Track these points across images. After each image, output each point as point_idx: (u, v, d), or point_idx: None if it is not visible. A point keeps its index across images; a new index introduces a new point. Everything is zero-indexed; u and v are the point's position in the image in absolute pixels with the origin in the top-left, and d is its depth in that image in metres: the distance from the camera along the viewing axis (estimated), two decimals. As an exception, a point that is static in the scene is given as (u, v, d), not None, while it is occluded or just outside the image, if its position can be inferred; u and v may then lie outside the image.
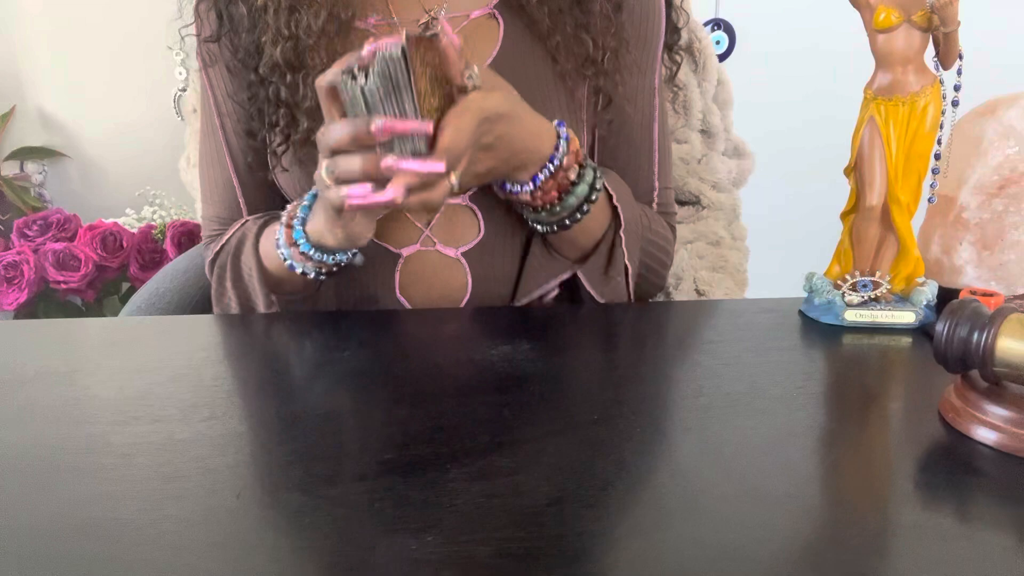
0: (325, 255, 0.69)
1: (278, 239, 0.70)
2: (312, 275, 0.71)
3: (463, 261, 0.75)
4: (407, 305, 0.75)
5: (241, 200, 0.80)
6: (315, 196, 0.69)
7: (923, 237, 0.74)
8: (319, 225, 0.67)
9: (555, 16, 0.73)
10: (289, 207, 0.72)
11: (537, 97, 0.74)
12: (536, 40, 0.75)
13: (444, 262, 0.75)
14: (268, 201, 0.80)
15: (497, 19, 0.75)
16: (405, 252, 0.74)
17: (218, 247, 0.79)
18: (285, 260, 0.70)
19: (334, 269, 0.71)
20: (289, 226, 0.70)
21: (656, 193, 0.82)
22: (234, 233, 0.78)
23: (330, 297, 0.77)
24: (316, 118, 0.68)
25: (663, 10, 0.80)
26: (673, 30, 0.84)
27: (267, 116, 0.74)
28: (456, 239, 0.75)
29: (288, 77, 0.70)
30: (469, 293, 0.75)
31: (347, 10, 0.71)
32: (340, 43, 0.71)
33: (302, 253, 0.69)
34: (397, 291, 0.75)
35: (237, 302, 0.75)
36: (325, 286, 0.76)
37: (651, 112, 0.80)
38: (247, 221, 0.78)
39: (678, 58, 0.87)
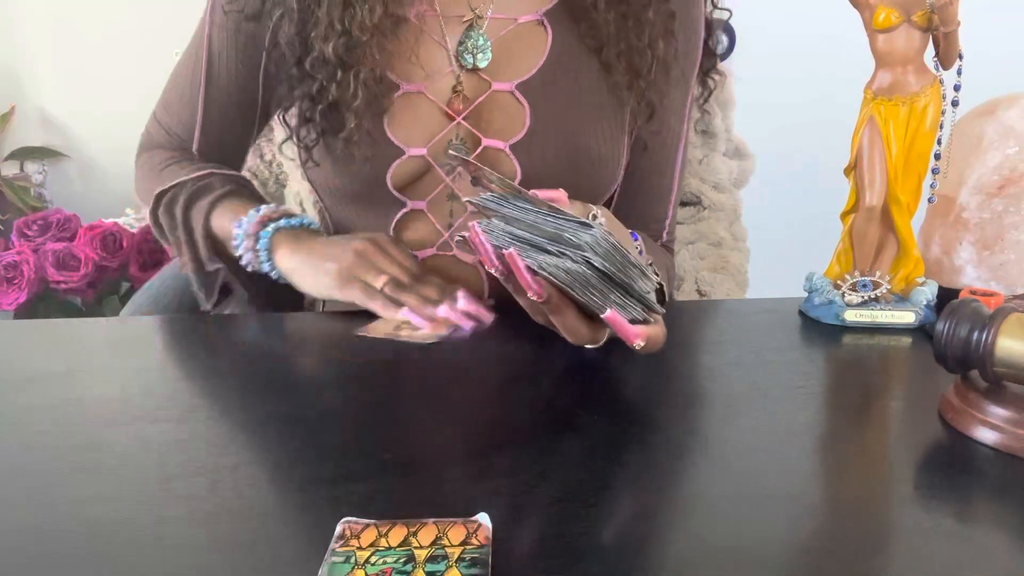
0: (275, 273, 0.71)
1: (241, 220, 0.70)
2: (247, 265, 0.72)
3: (480, 268, 0.74)
4: None
5: (197, 131, 0.79)
6: (301, 223, 0.71)
7: (923, 237, 0.74)
8: (302, 270, 0.68)
9: (618, 24, 0.71)
10: (270, 208, 0.71)
11: (586, 107, 0.72)
12: (586, 50, 0.73)
13: (460, 267, 0.74)
14: (221, 150, 0.80)
15: (545, 27, 0.73)
16: (420, 255, 0.74)
17: (173, 183, 0.76)
18: (235, 240, 0.71)
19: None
20: (263, 223, 0.70)
21: (668, 221, 0.82)
22: (195, 176, 0.76)
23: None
24: (363, 117, 0.68)
25: (702, 35, 0.79)
26: (710, 55, 0.82)
27: (302, 112, 0.71)
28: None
29: (339, 74, 0.67)
30: (486, 295, 0.75)
31: (400, 7, 0.69)
32: (392, 40, 0.69)
33: (255, 251, 0.70)
34: None
35: (185, 236, 0.75)
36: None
37: (679, 136, 0.79)
38: (213, 173, 0.76)
39: (711, 83, 0.85)
